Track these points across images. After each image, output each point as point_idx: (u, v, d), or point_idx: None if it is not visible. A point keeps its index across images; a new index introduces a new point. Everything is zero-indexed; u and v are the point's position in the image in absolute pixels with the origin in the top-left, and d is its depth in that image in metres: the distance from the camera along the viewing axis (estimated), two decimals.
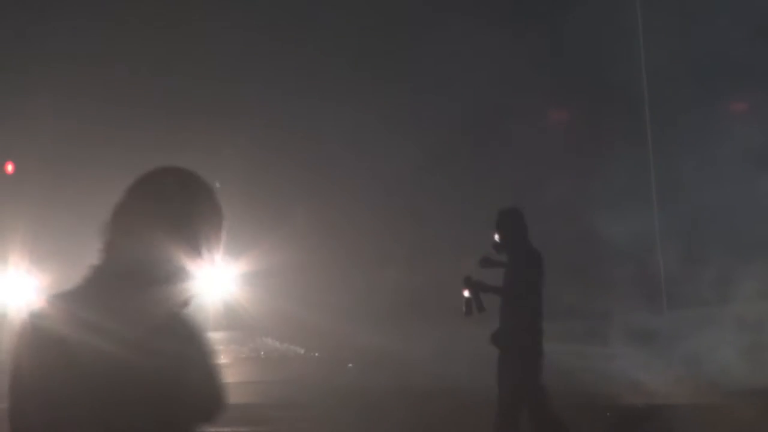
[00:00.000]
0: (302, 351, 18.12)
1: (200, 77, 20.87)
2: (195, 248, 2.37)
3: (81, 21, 20.55)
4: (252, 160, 19.83)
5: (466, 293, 7.58)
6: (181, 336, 2.30)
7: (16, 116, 20.19)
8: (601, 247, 19.16)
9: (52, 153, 20.31)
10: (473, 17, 20.93)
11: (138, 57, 20.73)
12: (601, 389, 11.60)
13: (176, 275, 2.33)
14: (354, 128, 20.85)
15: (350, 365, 15.84)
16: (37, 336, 2.28)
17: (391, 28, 21.73)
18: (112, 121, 19.69)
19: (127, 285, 2.29)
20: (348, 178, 20.75)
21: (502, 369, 7.31)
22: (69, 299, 2.30)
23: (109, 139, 19.52)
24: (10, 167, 21.46)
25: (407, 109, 21.23)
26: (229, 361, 16.35)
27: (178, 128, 19.94)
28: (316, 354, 17.60)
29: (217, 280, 23.26)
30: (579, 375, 12.54)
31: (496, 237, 7.40)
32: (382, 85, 20.97)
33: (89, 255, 2.35)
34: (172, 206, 2.37)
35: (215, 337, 18.67)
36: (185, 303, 2.38)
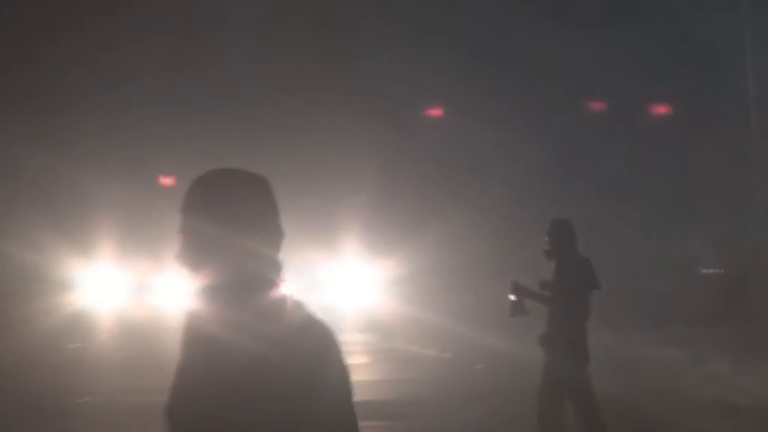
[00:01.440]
0: (433, 353, 18.67)
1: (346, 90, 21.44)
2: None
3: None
4: (389, 172, 20.45)
5: (512, 297, 8.18)
6: (318, 337, 2.31)
7: (178, 132, 21.31)
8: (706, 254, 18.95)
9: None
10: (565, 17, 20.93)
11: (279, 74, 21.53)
12: (725, 394, 11.78)
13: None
14: (490, 139, 21.21)
15: (480, 366, 16.27)
16: (189, 334, 2.35)
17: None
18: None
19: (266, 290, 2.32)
20: (480, 189, 21.14)
21: (548, 368, 7.88)
22: (218, 299, 2.31)
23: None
24: (170, 180, 22.86)
25: (540, 120, 21.45)
26: (366, 360, 17.04)
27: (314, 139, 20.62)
28: (448, 355, 18.11)
29: (357, 286, 24.27)
30: (701, 379, 12.73)
31: (547, 245, 7.99)
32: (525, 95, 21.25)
33: (168, 250, 2.50)
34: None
35: (355, 338, 19.39)
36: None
